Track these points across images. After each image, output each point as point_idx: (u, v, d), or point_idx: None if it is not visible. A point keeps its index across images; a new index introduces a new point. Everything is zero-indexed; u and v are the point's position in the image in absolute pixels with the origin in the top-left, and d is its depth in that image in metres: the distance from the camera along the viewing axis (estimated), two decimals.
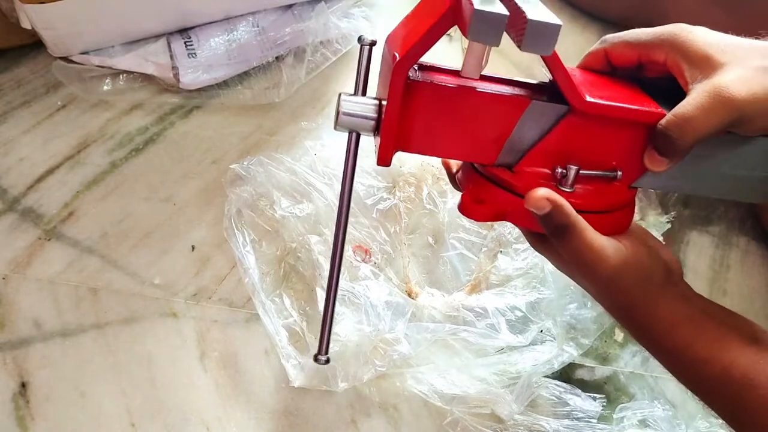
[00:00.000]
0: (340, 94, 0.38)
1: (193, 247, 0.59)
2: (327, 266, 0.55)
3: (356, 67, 0.40)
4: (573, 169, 0.38)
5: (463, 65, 0.37)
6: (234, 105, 0.68)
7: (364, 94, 0.39)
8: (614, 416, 0.54)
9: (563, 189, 0.39)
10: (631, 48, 0.41)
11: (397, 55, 0.35)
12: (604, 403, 0.54)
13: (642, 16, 0.73)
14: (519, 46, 0.32)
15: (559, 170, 0.39)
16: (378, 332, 0.51)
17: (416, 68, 0.38)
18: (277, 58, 0.69)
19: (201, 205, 0.61)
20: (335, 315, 0.52)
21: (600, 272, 0.38)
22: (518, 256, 0.59)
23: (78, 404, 0.50)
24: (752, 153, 0.41)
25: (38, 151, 0.62)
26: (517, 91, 0.39)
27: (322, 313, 0.40)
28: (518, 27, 0.31)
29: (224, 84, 0.68)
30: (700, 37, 0.38)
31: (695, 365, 0.38)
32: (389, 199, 0.61)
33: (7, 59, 0.68)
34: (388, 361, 0.51)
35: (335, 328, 0.51)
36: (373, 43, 0.40)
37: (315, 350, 0.51)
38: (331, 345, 0.50)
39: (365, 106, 0.38)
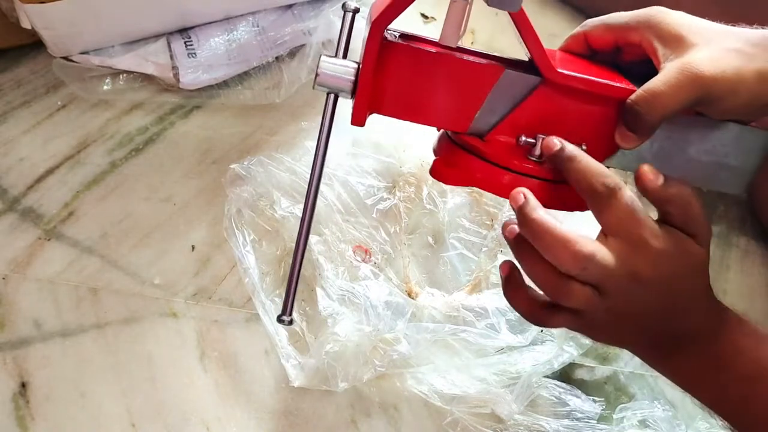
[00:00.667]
0: (320, 55, 0.39)
1: (193, 247, 0.59)
2: (327, 266, 0.55)
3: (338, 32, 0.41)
4: (541, 138, 0.39)
5: (442, 33, 0.38)
6: (234, 105, 0.68)
7: (345, 58, 0.40)
8: (614, 416, 0.54)
9: (531, 158, 0.39)
10: (609, 31, 0.42)
11: (374, 15, 0.36)
12: (603, 405, 0.54)
13: None
14: (487, 2, 0.34)
15: (523, 139, 0.39)
16: (378, 332, 0.51)
17: (397, 35, 0.39)
18: (277, 58, 0.69)
19: (201, 205, 0.61)
20: (335, 315, 0.52)
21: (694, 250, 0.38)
22: None
23: (78, 404, 0.50)
24: (722, 138, 0.41)
25: (38, 151, 0.62)
26: (492, 61, 0.39)
27: (289, 273, 0.40)
28: None
29: (224, 84, 0.68)
30: (675, 18, 0.39)
31: None
32: (389, 199, 0.61)
33: (7, 59, 0.68)
34: (388, 361, 0.51)
35: (335, 328, 0.51)
36: (356, 10, 0.41)
37: (315, 350, 0.51)
38: (330, 345, 0.51)
39: (344, 68, 0.39)
